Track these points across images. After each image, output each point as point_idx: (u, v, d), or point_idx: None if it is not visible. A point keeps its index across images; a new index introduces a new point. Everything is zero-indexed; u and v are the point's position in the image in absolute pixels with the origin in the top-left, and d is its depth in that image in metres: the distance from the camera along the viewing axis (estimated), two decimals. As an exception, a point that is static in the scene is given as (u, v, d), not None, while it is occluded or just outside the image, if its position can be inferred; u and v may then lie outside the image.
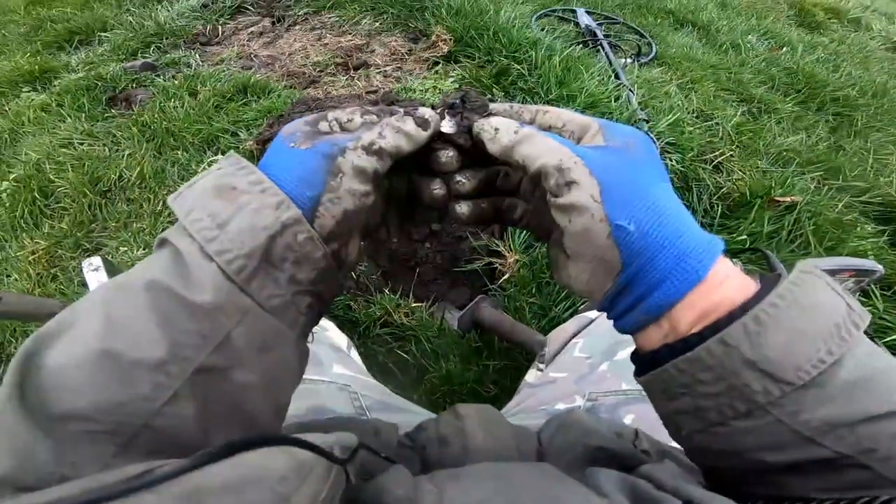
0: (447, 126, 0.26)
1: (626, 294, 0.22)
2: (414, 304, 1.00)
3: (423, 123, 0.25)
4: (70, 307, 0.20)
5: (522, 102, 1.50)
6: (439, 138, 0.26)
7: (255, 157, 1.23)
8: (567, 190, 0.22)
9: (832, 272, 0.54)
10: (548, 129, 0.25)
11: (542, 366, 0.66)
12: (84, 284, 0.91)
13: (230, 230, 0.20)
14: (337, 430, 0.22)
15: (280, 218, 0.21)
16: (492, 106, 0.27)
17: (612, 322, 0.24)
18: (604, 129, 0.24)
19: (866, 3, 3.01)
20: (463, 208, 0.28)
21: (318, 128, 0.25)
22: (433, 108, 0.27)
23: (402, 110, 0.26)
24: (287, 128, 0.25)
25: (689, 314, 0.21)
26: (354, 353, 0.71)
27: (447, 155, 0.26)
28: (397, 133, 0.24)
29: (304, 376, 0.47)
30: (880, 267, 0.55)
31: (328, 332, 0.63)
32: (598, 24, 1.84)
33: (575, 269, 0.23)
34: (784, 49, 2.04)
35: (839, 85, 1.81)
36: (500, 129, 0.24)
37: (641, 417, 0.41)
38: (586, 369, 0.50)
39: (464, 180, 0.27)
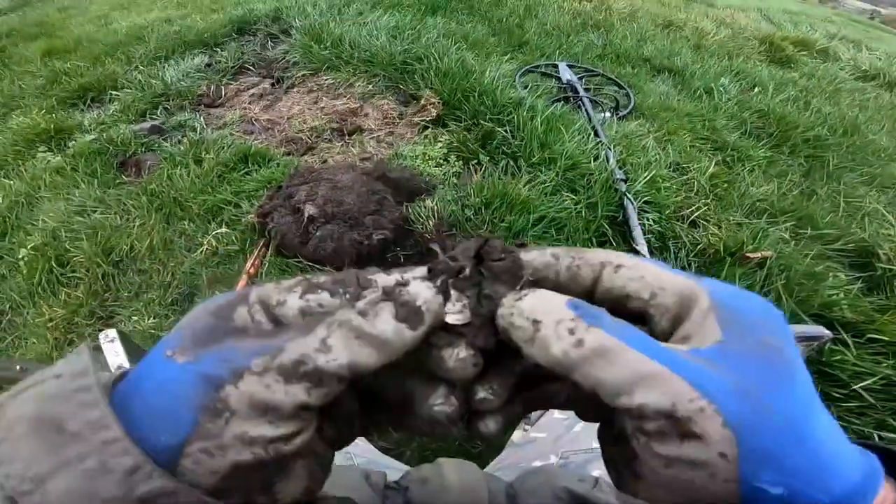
0: (454, 314, 0.17)
1: None
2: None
3: (411, 317, 0.15)
4: None
5: (506, 167, 1.58)
6: (442, 328, 0.17)
7: (256, 230, 1.31)
8: (679, 442, 0.14)
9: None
10: (624, 298, 0.17)
11: (527, 426, 0.72)
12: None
13: (51, 491, 0.14)
14: (332, 477, 0.20)
15: (134, 491, 0.14)
16: (524, 257, 0.17)
17: None
18: (718, 308, 0.16)
19: (833, 32, 3.15)
20: (490, 426, 0.18)
21: (232, 319, 0.16)
22: (430, 269, 0.17)
23: (379, 282, 0.16)
24: (185, 320, 0.17)
25: None
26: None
27: (457, 357, 0.16)
28: (357, 342, 0.15)
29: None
30: (827, 332, 0.61)
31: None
32: (579, 78, 1.95)
33: (650, 495, 0.16)
34: (756, 89, 2.14)
35: (810, 124, 1.90)
36: (544, 322, 0.15)
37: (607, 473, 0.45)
38: (563, 430, 0.56)
39: (489, 396, 0.17)
